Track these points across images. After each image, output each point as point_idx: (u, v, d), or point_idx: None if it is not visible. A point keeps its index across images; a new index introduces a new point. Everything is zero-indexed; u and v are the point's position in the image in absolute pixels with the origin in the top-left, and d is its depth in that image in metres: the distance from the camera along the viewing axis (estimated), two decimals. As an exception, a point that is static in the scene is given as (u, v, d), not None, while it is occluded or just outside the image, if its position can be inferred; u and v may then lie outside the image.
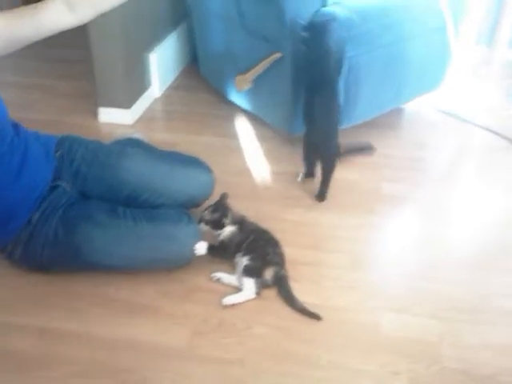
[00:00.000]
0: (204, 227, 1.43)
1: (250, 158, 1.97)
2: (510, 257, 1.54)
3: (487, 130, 2.16)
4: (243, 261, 1.38)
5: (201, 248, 1.39)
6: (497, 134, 2.13)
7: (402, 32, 1.89)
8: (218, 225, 1.43)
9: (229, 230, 1.43)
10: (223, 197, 1.47)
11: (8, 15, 1.15)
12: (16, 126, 1.31)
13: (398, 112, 2.26)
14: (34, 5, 1.17)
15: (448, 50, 2.05)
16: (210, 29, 2.21)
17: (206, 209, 1.46)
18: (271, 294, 1.38)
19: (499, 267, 1.50)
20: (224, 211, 1.44)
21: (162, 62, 2.35)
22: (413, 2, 1.92)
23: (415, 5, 1.92)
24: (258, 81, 1.93)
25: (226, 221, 1.43)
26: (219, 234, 1.44)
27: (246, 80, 1.95)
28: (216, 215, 1.43)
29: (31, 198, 1.29)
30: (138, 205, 1.41)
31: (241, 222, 1.45)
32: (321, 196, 1.73)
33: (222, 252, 1.44)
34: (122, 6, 1.93)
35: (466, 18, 2.11)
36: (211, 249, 1.41)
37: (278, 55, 1.82)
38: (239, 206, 1.52)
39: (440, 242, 1.58)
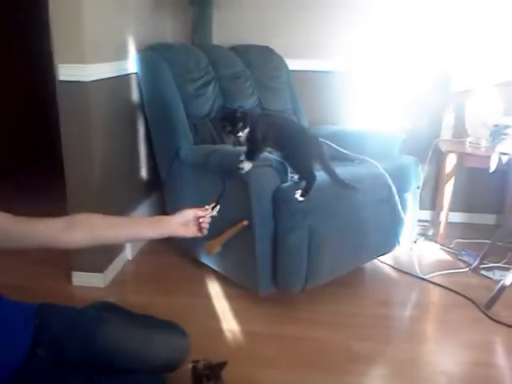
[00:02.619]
0: None
1: (222, 319, 2.01)
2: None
3: (443, 287, 2.32)
4: None
5: None
6: (451, 290, 2.28)
7: (355, 202, 2.09)
8: None
9: None
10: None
11: (8, 214, 1.20)
12: None
13: (359, 271, 2.40)
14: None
15: (398, 215, 2.27)
16: (181, 199, 2.40)
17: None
18: None
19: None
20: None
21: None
22: (362, 178, 2.17)
23: (364, 180, 2.17)
24: (226, 245, 2.06)
25: None
26: None
27: (215, 245, 2.06)
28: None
29: (9, 367, 1.25)
30: (113, 370, 1.38)
31: None
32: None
33: None
34: (98, 175, 2.12)
35: (409, 188, 2.39)
36: None
37: (245, 223, 1.97)
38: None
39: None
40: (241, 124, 1.83)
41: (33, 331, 1.36)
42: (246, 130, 1.85)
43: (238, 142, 1.95)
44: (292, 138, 1.95)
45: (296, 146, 1.94)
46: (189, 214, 1.42)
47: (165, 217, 1.44)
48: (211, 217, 1.46)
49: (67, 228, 1.28)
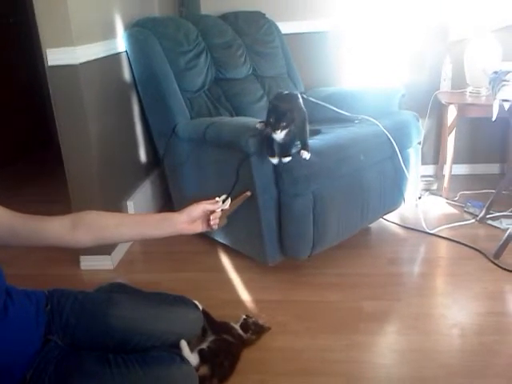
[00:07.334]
0: None
1: (233, 290, 2.03)
2: (493, 364, 1.58)
3: (451, 240, 2.32)
4: None
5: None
6: (459, 243, 2.28)
7: (356, 164, 2.08)
8: None
9: None
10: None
11: (16, 213, 1.21)
12: (8, 289, 1.31)
13: (365, 231, 2.41)
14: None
15: (401, 173, 2.26)
16: (181, 175, 2.39)
17: None
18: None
19: (486, 375, 1.53)
20: None
21: (140, 208, 2.48)
22: (362, 138, 2.15)
23: (364, 140, 2.15)
24: (232, 217, 2.05)
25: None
26: None
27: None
28: None
29: (25, 357, 1.27)
30: (128, 350, 1.40)
31: None
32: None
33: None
34: (97, 158, 2.11)
35: (411, 144, 2.36)
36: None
37: (248, 194, 1.96)
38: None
39: (427, 353, 1.62)
40: (284, 124, 1.77)
41: (45, 319, 1.37)
42: (285, 132, 1.79)
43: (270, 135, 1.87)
44: (303, 117, 1.93)
45: (304, 122, 1.92)
46: (196, 210, 1.37)
47: (171, 215, 1.38)
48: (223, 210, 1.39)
49: (72, 228, 1.27)
